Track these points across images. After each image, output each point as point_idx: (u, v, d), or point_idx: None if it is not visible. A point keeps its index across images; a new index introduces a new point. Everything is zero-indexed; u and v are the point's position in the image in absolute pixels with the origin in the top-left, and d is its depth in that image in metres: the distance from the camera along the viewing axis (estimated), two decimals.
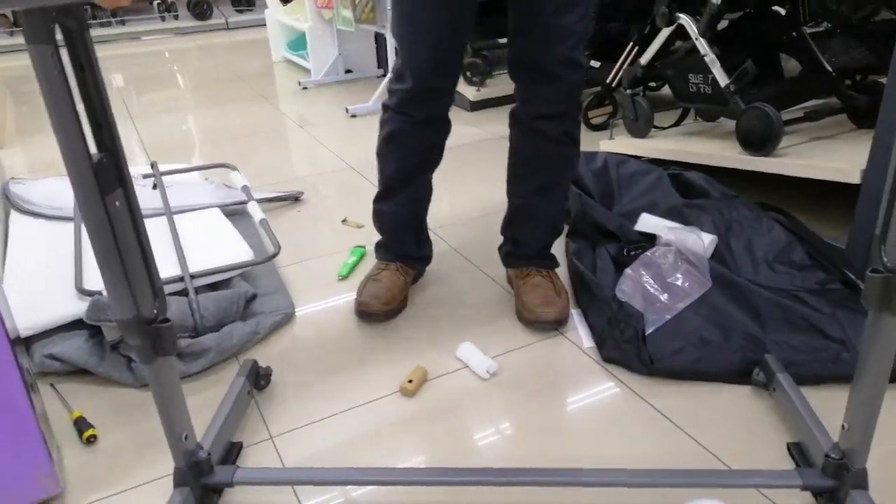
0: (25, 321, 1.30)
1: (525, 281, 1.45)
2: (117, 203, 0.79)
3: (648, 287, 1.43)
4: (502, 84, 2.97)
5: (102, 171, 0.75)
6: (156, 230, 1.69)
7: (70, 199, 1.80)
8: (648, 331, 1.31)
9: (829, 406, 1.09)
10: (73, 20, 0.70)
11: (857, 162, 1.49)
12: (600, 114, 2.57)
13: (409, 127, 1.35)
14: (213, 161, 2.35)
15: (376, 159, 1.45)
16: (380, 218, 1.50)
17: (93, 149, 0.76)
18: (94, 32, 5.25)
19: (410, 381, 1.22)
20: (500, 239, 1.54)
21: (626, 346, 1.26)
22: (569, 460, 1.06)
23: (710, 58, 1.80)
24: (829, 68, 1.87)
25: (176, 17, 5.52)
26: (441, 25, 1.23)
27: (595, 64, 2.69)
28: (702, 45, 1.82)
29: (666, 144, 1.98)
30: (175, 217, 1.71)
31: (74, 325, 1.31)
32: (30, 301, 1.35)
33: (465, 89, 2.94)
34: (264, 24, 4.28)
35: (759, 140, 1.68)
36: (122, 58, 4.93)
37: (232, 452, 1.09)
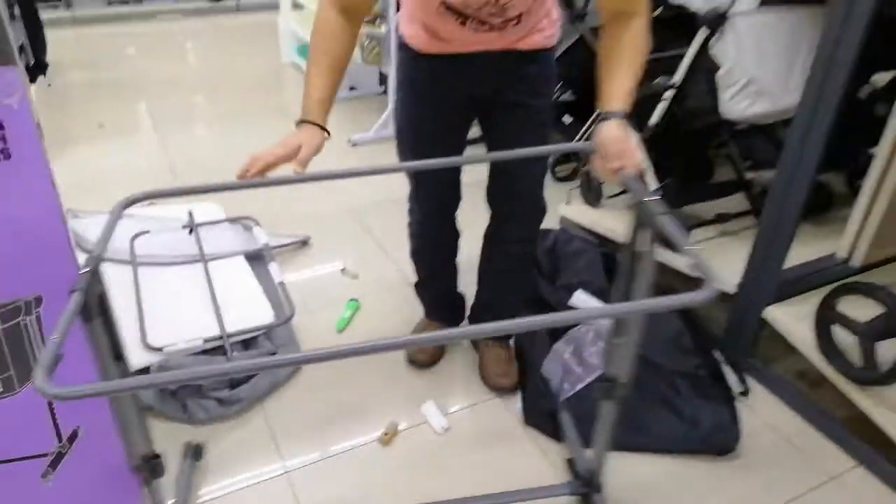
0: None
1: (486, 352, 1.93)
2: None
3: (568, 361, 1.90)
4: None
5: None
6: (192, 275, 2.14)
7: (124, 243, 2.22)
8: (562, 398, 1.79)
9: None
10: None
11: (737, 270, 1.95)
12: (565, 169, 3.00)
13: (432, 237, 1.85)
14: (231, 197, 2.77)
15: (410, 257, 1.93)
16: (421, 297, 2.02)
17: None
18: (112, 10, 5.54)
19: (386, 434, 1.70)
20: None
21: (544, 418, 1.75)
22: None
23: (646, 163, 2.23)
24: (740, 171, 2.30)
25: None
26: (438, 174, 1.67)
27: (567, 120, 3.10)
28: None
29: (604, 221, 2.42)
30: (211, 264, 2.15)
31: (141, 371, 1.77)
32: None
33: None
34: (275, 6, 4.56)
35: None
36: (137, 36, 5.22)
37: None
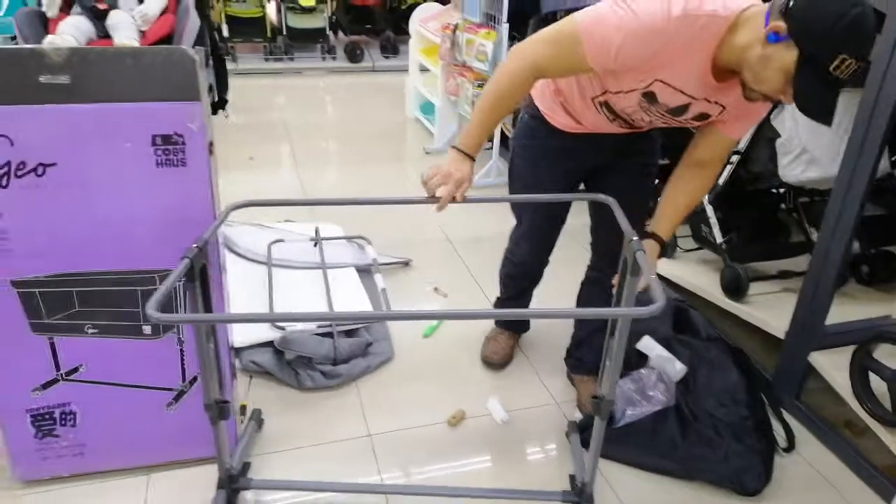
0: (237, 337, 2.19)
1: (580, 386, 2.15)
2: None
3: (631, 394, 2.10)
4: None
5: None
6: (312, 279, 2.58)
7: (264, 248, 2.72)
8: (619, 424, 2.00)
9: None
10: None
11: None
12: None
13: (527, 270, 2.14)
14: (351, 221, 3.24)
15: (500, 277, 2.24)
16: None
17: None
18: (269, 65, 6.40)
19: (454, 417, 2.02)
20: None
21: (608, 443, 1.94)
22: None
23: (713, 220, 2.47)
24: (807, 234, 2.48)
25: (334, 58, 6.58)
26: (542, 228, 1.99)
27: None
28: (708, 209, 2.48)
29: (676, 271, 2.65)
30: (328, 271, 2.59)
31: (266, 344, 2.20)
32: (242, 325, 2.25)
33: None
34: (405, 70, 5.18)
35: (732, 289, 2.35)
36: (287, 88, 6.01)
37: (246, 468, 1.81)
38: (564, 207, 1.96)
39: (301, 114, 5.31)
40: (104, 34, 2.89)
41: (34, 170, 1.51)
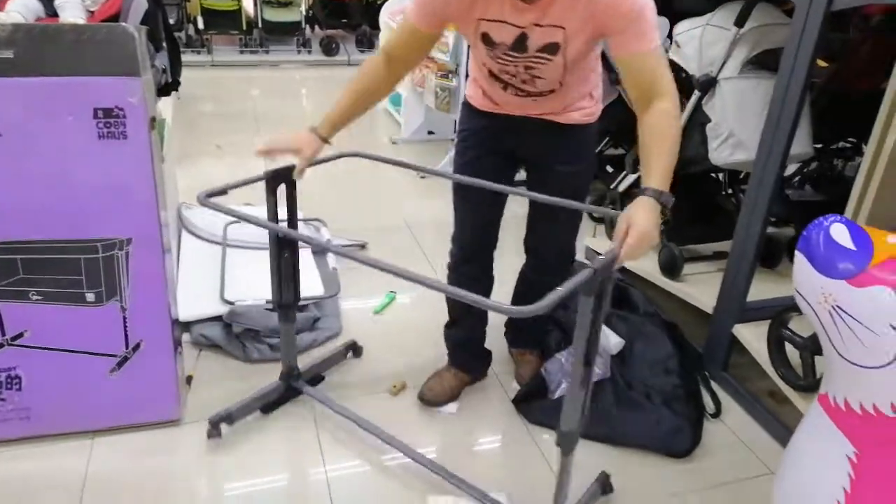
0: (187, 311, 2.25)
1: (520, 361, 2.19)
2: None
3: (568, 367, 2.19)
4: None
5: None
6: (265, 258, 2.64)
7: (220, 228, 2.79)
8: (556, 395, 2.09)
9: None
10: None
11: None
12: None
13: (466, 272, 1.95)
14: (309, 204, 3.31)
15: (446, 302, 2.06)
16: (447, 340, 2.11)
17: None
18: (244, 57, 6.45)
19: (395, 387, 2.10)
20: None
21: (530, 407, 2.07)
22: None
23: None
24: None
25: (309, 52, 6.64)
26: (477, 218, 1.90)
27: (609, 169, 3.47)
28: None
29: None
30: None
31: (216, 318, 2.27)
32: (191, 300, 2.32)
33: None
34: None
35: (668, 268, 2.45)
36: (262, 80, 6.06)
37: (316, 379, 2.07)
38: (497, 199, 1.88)
39: (273, 105, 5.37)
40: (52, 13, 2.96)
41: None
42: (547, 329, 2.23)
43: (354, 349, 2.31)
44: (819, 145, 2.62)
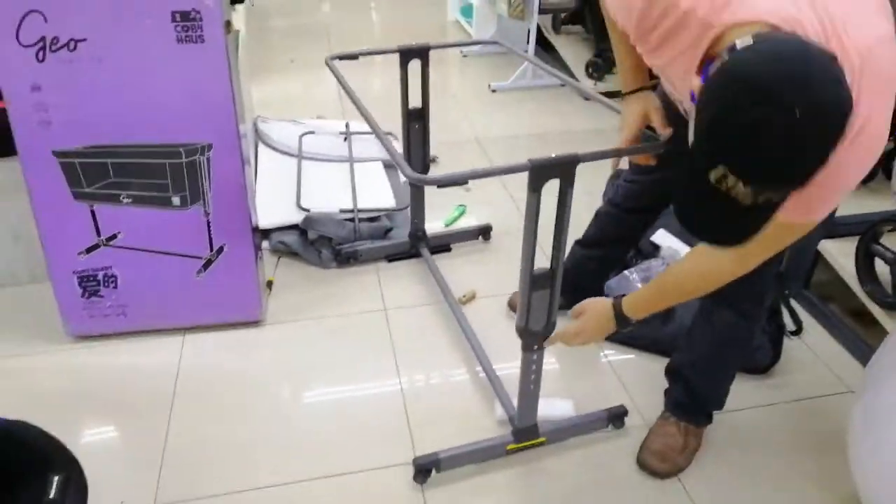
0: (265, 219, 2.33)
1: (656, 425, 1.66)
2: None
3: (636, 285, 2.14)
4: (617, 80, 3.64)
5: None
6: (340, 170, 2.69)
7: (295, 141, 2.84)
8: None
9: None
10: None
11: None
12: None
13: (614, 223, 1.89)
14: (382, 119, 3.30)
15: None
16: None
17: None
18: None
19: (465, 296, 2.13)
20: None
21: None
22: None
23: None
24: None
25: None
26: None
27: None
28: None
29: None
30: (356, 164, 2.69)
31: (293, 226, 2.34)
32: (269, 208, 2.39)
33: (584, 81, 3.65)
34: None
35: None
36: None
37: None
38: None
39: (344, 18, 5.30)
40: None
41: (66, 45, 1.63)
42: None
43: (485, 233, 2.45)
44: None
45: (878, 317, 1.84)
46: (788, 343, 1.99)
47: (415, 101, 2.08)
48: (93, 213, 1.82)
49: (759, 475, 1.61)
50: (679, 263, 1.34)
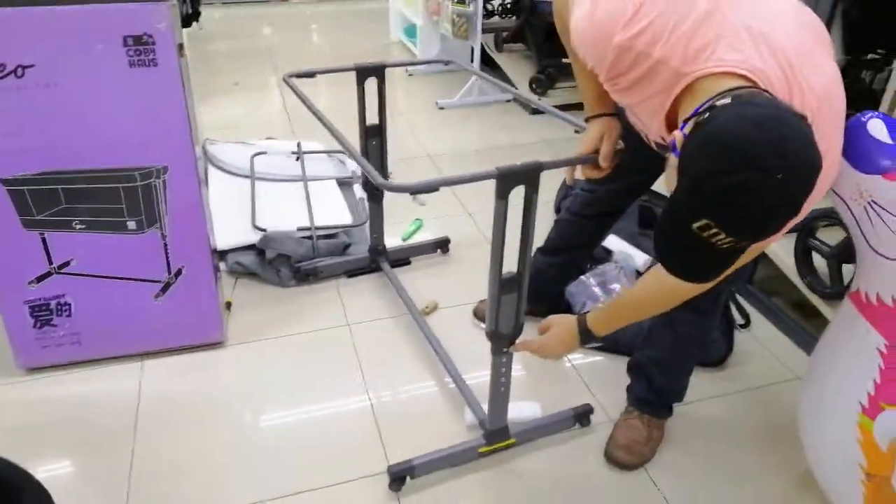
0: (221, 240, 2.31)
1: (620, 420, 1.72)
2: None
3: (593, 288, 2.23)
4: (559, 95, 3.77)
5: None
6: (294, 190, 2.68)
7: (246, 162, 2.82)
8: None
9: None
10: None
11: None
12: None
13: (574, 232, 1.94)
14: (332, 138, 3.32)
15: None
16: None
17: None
18: None
19: (427, 307, 2.16)
20: None
21: None
22: None
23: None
24: None
25: None
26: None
27: None
28: None
29: None
30: (310, 183, 2.70)
31: (249, 247, 2.32)
32: (224, 229, 2.37)
33: (529, 96, 3.76)
34: None
35: None
36: (273, 16, 5.97)
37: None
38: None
39: (286, 40, 5.31)
40: None
41: (13, 71, 1.60)
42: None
43: (442, 245, 2.49)
44: (848, 56, 2.57)
45: (819, 307, 1.95)
46: (738, 336, 2.08)
47: (371, 119, 2.10)
48: (44, 240, 1.78)
49: (721, 461, 1.68)
50: (643, 281, 1.40)
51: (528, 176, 1.27)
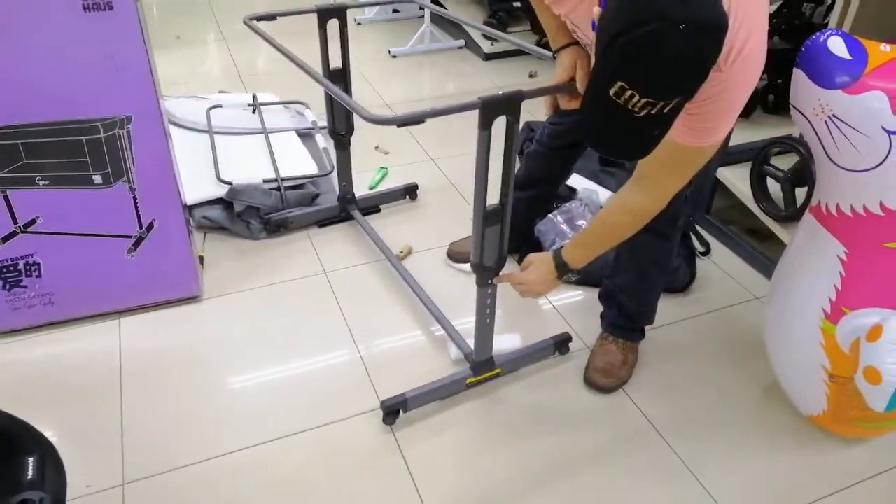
0: (187, 195, 2.26)
1: (597, 346, 1.82)
2: None
3: (561, 226, 2.29)
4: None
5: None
6: (256, 144, 2.64)
7: (202, 116, 2.74)
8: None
9: None
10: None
11: None
12: None
13: (544, 153, 1.96)
14: (287, 89, 3.25)
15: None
16: None
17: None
18: None
19: (401, 252, 2.18)
20: None
21: None
22: None
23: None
24: None
25: None
26: None
27: None
28: None
29: None
30: (270, 135, 2.65)
31: (216, 201, 2.29)
32: (188, 185, 2.31)
33: (481, 42, 3.75)
34: None
35: None
36: None
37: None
38: None
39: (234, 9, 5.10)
40: None
41: None
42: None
43: (411, 192, 2.50)
44: None
45: (775, 230, 2.07)
46: (700, 263, 2.19)
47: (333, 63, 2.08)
48: (6, 198, 1.71)
49: (693, 378, 1.79)
50: (605, 209, 1.46)
51: (509, 105, 1.30)
